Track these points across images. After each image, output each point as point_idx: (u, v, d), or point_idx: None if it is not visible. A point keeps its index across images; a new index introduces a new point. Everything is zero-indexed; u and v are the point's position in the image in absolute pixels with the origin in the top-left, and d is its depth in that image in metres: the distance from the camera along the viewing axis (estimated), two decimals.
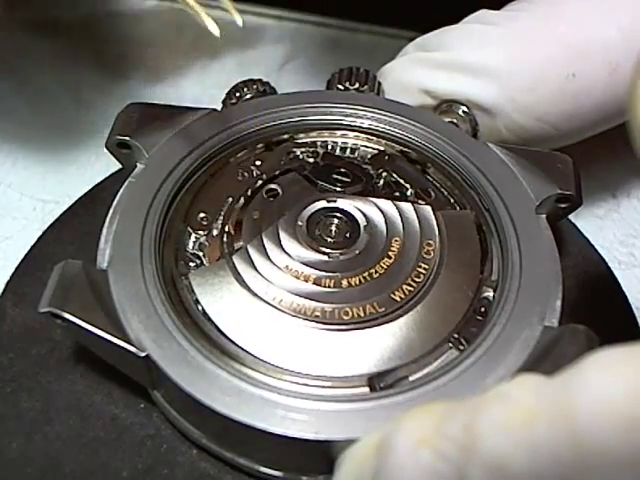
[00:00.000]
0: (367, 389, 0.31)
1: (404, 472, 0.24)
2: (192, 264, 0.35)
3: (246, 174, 0.38)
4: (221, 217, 0.36)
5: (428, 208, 0.37)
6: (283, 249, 0.35)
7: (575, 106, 0.39)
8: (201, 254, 0.35)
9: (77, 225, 0.41)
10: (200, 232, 0.36)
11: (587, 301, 0.38)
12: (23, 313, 0.37)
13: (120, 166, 0.42)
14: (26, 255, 0.40)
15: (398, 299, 0.34)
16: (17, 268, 0.39)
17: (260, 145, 0.39)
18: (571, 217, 0.39)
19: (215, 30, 0.33)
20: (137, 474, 0.32)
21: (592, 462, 0.21)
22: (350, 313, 0.33)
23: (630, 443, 0.21)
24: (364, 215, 0.36)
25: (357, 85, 0.42)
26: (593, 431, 0.21)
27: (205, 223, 0.36)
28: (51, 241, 0.40)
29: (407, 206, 0.37)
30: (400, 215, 0.36)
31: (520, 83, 0.39)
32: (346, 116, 0.40)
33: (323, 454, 0.29)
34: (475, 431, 0.23)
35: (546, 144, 0.40)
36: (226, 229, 0.36)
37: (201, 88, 0.51)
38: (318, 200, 0.37)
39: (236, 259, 0.35)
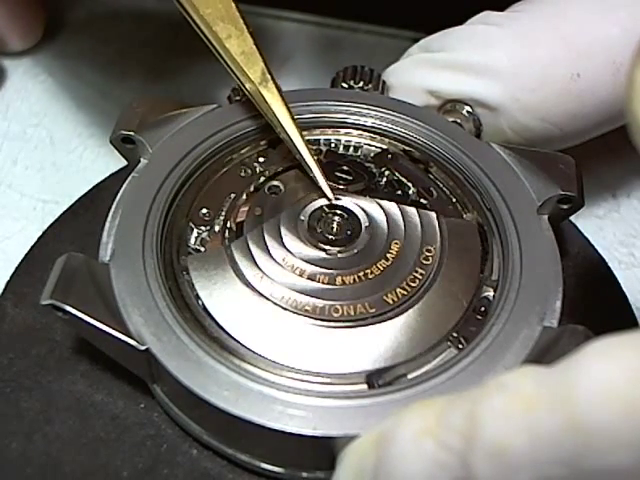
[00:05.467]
0: (365, 386, 0.31)
1: (406, 463, 0.25)
2: None
3: (249, 171, 0.38)
4: (223, 213, 0.36)
5: (432, 214, 0.37)
6: (282, 242, 0.35)
7: (579, 106, 0.39)
8: (203, 249, 0.35)
9: (77, 225, 0.41)
10: (202, 227, 0.36)
11: (587, 301, 0.38)
12: (23, 313, 0.37)
13: (120, 166, 0.42)
14: (26, 255, 0.39)
15: (390, 302, 0.34)
16: (17, 268, 0.39)
17: (263, 142, 0.39)
18: (571, 217, 0.39)
19: (331, 195, 0.36)
20: (137, 474, 0.32)
21: (592, 445, 0.21)
22: (340, 311, 0.33)
23: (630, 426, 0.21)
24: (367, 215, 0.36)
25: (361, 84, 0.42)
26: (593, 415, 0.21)
27: (207, 219, 0.36)
28: (51, 241, 0.40)
29: (411, 210, 0.37)
30: (403, 218, 0.36)
31: (524, 83, 0.39)
32: (350, 114, 0.40)
33: (322, 450, 0.30)
34: (476, 420, 0.23)
35: (550, 144, 0.40)
36: (228, 225, 0.36)
37: (201, 88, 0.51)
38: (321, 197, 0.37)
39: (234, 248, 0.35)
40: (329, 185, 0.37)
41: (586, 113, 0.40)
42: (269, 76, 0.37)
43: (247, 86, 0.37)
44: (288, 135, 0.36)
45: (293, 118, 0.36)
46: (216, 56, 0.38)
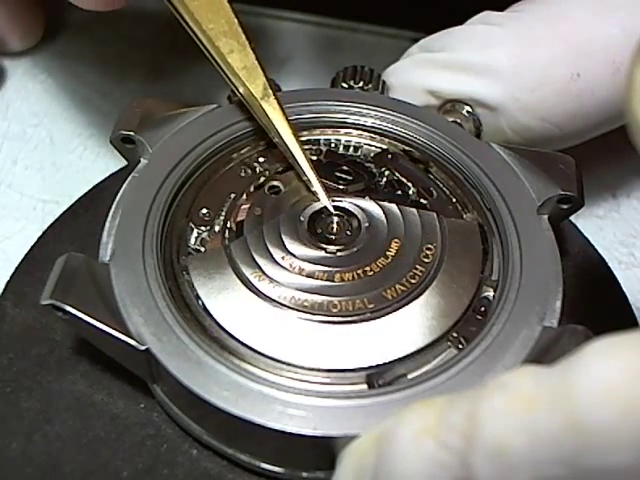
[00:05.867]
0: (365, 386, 0.31)
1: (406, 463, 0.25)
2: None
3: (249, 170, 0.38)
4: (223, 213, 0.36)
5: (432, 214, 0.37)
6: (282, 243, 0.35)
7: (579, 106, 0.39)
8: (202, 249, 0.35)
9: (77, 225, 0.41)
10: (202, 227, 0.36)
11: (587, 301, 0.38)
12: (23, 313, 0.37)
13: (120, 166, 0.42)
14: (26, 255, 0.39)
15: (390, 297, 0.34)
16: (17, 268, 0.39)
17: (263, 142, 0.39)
18: (571, 217, 0.39)
19: (330, 206, 0.36)
20: (137, 474, 0.32)
21: (592, 445, 0.21)
22: (339, 306, 0.33)
23: (630, 426, 0.21)
24: (366, 215, 0.36)
25: (361, 84, 0.42)
26: (593, 415, 0.21)
27: (207, 219, 0.36)
28: (51, 241, 0.40)
29: (411, 210, 0.37)
30: (403, 218, 0.36)
31: (524, 83, 0.39)
32: (350, 114, 0.40)
33: (322, 450, 0.30)
34: (476, 419, 0.23)
35: (550, 144, 0.40)
36: (228, 225, 0.36)
37: (201, 88, 0.51)
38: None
39: (234, 247, 0.35)
40: (329, 192, 0.37)
41: (586, 113, 0.40)
42: (270, 91, 0.37)
43: (249, 101, 0.37)
44: (290, 150, 0.37)
45: (295, 133, 0.37)
46: (218, 71, 0.38)
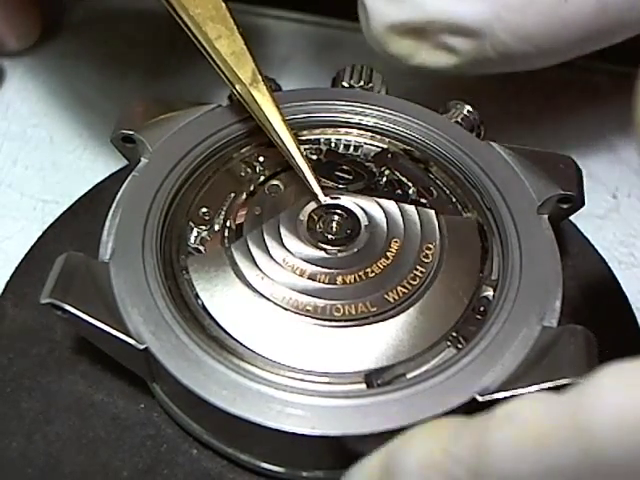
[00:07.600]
0: (364, 386, 0.31)
1: None
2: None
3: (249, 170, 0.38)
4: (223, 212, 0.36)
5: (431, 212, 0.37)
6: (282, 242, 0.35)
7: (562, 28, 0.37)
8: (202, 248, 0.35)
9: (77, 225, 0.41)
10: (202, 227, 0.36)
11: (587, 301, 0.38)
12: (23, 313, 0.37)
13: (120, 166, 0.42)
14: (26, 255, 0.40)
15: (391, 300, 0.34)
16: (17, 268, 0.39)
17: (263, 141, 0.39)
18: (571, 217, 0.39)
19: (322, 196, 0.36)
20: (137, 474, 0.33)
21: (609, 478, 0.21)
22: (342, 310, 0.33)
23: None
24: (366, 214, 0.36)
25: (362, 83, 0.42)
26: (611, 447, 0.21)
27: (207, 218, 0.36)
28: (51, 241, 0.40)
29: (410, 208, 0.37)
30: (402, 216, 0.36)
31: (510, 2, 0.37)
32: (350, 114, 0.40)
33: (321, 449, 0.30)
34: (485, 452, 0.23)
35: (528, 63, 0.39)
36: (227, 224, 0.36)
37: (201, 88, 0.51)
38: (316, 198, 0.37)
39: (234, 249, 0.35)
40: (322, 185, 0.36)
41: (569, 35, 0.37)
42: (260, 77, 0.36)
43: (237, 87, 0.37)
44: (279, 136, 0.36)
45: (284, 119, 0.36)
46: (206, 57, 0.38)
